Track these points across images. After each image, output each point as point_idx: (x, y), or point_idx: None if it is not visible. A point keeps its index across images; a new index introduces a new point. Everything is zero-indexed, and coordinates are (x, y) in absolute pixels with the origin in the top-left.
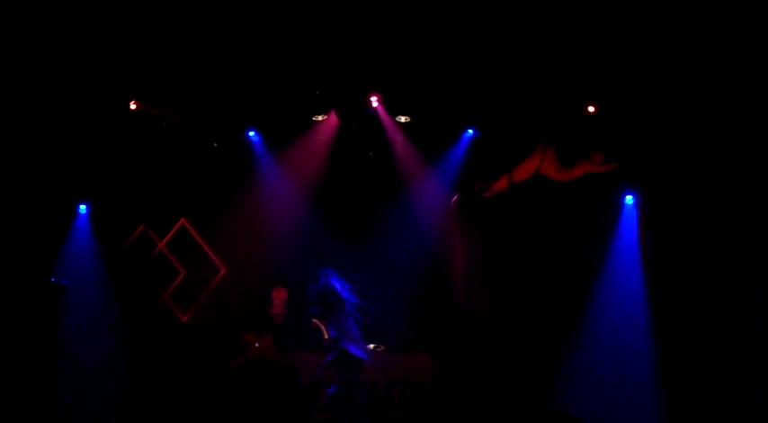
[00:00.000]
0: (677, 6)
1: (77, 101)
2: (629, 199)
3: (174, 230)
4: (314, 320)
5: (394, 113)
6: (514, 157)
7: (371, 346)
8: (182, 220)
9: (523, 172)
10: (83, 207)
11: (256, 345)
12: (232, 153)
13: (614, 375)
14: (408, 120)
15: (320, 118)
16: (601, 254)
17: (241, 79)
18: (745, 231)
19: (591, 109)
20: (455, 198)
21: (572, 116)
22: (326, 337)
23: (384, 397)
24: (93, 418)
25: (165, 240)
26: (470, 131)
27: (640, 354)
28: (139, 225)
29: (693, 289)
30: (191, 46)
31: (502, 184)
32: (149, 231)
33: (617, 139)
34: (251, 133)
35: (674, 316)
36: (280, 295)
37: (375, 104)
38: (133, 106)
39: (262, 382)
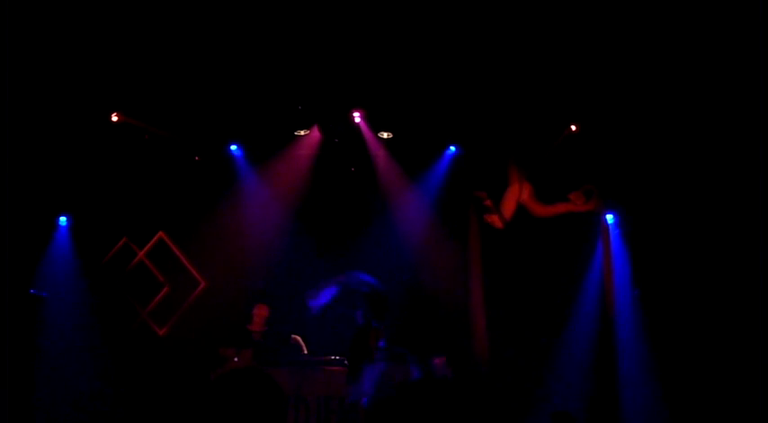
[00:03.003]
0: (650, 28)
1: (59, 112)
2: (609, 218)
3: (151, 243)
4: (293, 336)
5: (376, 129)
6: (496, 174)
7: None
8: (160, 233)
9: (509, 205)
10: (63, 219)
11: (235, 359)
12: (214, 167)
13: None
14: (391, 136)
15: (302, 133)
16: (582, 272)
17: (224, 93)
18: (723, 242)
19: (573, 128)
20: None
21: (547, 140)
22: (305, 352)
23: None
24: None
25: (143, 251)
26: (452, 148)
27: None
28: (121, 238)
29: (678, 302)
30: (174, 59)
31: (497, 223)
32: (132, 245)
33: (594, 161)
34: (233, 147)
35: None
36: (260, 312)
37: (357, 120)
38: (115, 118)
39: (241, 390)
